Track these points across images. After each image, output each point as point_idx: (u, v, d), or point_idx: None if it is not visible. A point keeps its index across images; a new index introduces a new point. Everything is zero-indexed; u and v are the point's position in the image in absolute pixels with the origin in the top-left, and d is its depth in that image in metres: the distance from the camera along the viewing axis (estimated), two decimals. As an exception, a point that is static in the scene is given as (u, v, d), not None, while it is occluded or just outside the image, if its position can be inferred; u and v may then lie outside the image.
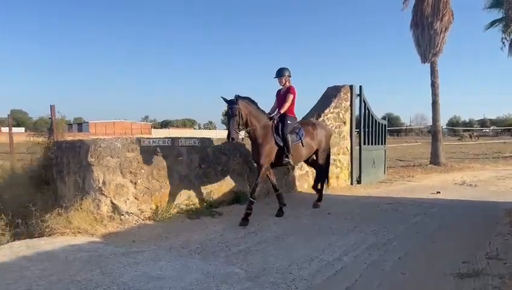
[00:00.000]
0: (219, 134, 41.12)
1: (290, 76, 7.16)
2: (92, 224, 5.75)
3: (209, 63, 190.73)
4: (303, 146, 7.10)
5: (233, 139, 6.10)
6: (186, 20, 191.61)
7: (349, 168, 10.89)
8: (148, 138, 7.02)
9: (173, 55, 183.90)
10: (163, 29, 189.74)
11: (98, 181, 6.04)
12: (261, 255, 4.79)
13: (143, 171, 6.41)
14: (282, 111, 6.91)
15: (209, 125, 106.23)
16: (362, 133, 11.18)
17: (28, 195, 6.73)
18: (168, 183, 6.71)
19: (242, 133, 7.02)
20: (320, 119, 9.75)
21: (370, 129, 11.44)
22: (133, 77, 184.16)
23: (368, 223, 6.32)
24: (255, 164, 6.92)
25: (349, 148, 10.90)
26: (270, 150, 6.57)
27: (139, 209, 6.33)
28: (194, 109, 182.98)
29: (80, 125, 75.90)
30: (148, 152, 6.50)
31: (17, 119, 71.70)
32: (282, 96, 7.15)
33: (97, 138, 6.53)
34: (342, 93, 10.60)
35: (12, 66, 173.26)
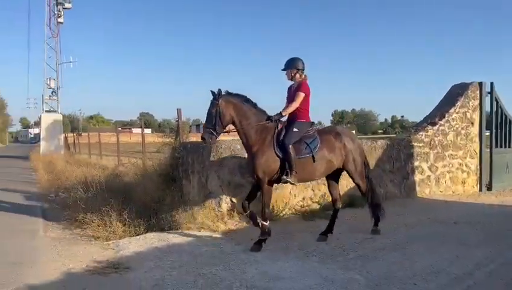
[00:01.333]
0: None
1: (302, 69, 5.63)
2: (213, 221, 6.10)
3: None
4: (314, 161, 5.41)
5: (203, 139, 5.20)
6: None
7: (478, 173, 9.92)
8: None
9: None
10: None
11: (219, 180, 6.40)
12: (380, 262, 4.59)
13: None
14: (285, 113, 5.47)
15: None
16: (494, 134, 10.10)
17: (158, 191, 7.38)
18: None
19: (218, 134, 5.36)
20: (444, 120, 9.07)
21: (503, 130, 10.28)
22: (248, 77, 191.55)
23: (503, 235, 5.67)
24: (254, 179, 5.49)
25: (477, 151, 9.93)
26: (268, 161, 5.20)
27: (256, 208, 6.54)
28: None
29: (198, 126, 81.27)
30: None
31: (144, 121, 79.57)
32: (292, 94, 5.64)
33: (218, 140, 6.89)
34: (469, 92, 9.73)
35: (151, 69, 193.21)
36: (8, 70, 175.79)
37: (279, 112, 5.42)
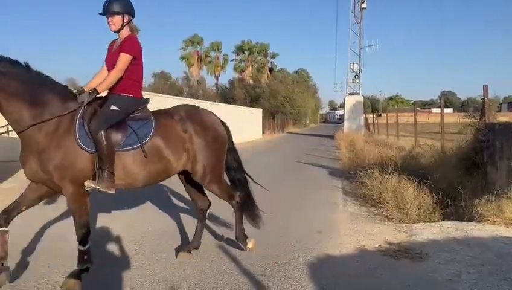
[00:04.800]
0: None
1: (130, 15, 3.77)
2: (526, 217, 5.09)
3: None
4: (146, 157, 3.66)
5: None
6: None
7: None
8: None
9: None
10: None
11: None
12: None
13: None
14: (101, 89, 3.63)
15: None
16: None
17: (457, 177, 6.75)
18: None
19: None
20: None
21: None
22: None
23: None
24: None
25: None
26: (64, 158, 3.38)
27: None
28: None
29: (511, 104, 70.04)
30: None
31: (446, 100, 74.60)
32: (113, 55, 3.79)
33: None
34: None
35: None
36: (319, 58, 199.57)
37: (92, 88, 3.60)
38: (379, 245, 4.66)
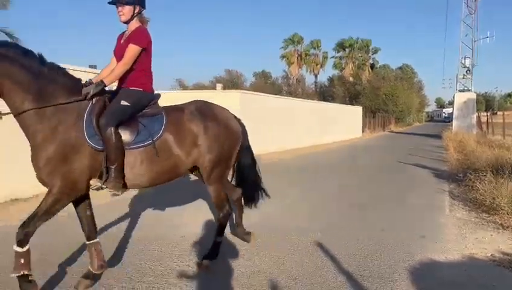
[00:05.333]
0: None
1: (141, 6, 3.60)
2: None
3: None
4: (157, 155, 3.47)
5: None
6: None
7: None
8: None
9: None
10: None
11: None
12: None
13: None
14: (108, 81, 3.38)
15: None
16: None
17: None
18: None
19: None
20: None
21: None
22: None
23: None
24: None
25: None
26: (63, 154, 3.15)
27: None
28: None
29: None
30: None
31: None
32: (122, 46, 3.59)
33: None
34: None
35: None
36: (426, 53, 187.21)
37: (99, 80, 3.37)
38: (491, 255, 4.30)
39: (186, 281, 3.61)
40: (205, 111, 3.85)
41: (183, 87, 44.38)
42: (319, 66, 51.66)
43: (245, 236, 4.58)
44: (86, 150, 3.22)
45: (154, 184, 3.69)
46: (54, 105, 3.16)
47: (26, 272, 3.03)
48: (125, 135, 3.38)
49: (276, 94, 27.08)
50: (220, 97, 12.80)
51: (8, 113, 3.28)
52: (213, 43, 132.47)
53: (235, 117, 4.20)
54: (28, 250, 3.05)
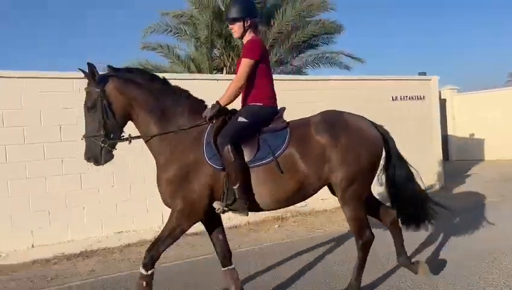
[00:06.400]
0: None
1: (252, 17, 3.35)
2: None
3: None
4: (282, 172, 3.10)
5: (89, 159, 3.14)
6: None
7: None
8: None
9: None
10: None
11: None
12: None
13: None
14: (224, 102, 3.25)
15: None
16: None
17: None
18: None
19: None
20: None
21: None
22: None
23: None
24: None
25: None
26: (184, 175, 3.12)
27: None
28: None
29: None
30: None
31: None
32: (238, 63, 3.42)
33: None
34: None
35: None
36: None
37: (215, 101, 3.25)
38: None
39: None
40: (334, 120, 3.36)
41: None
42: None
43: (411, 266, 3.67)
44: (206, 170, 3.13)
45: (280, 207, 3.38)
46: (173, 131, 3.22)
47: None
48: (245, 153, 3.17)
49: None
50: None
51: (137, 137, 3.35)
52: None
53: (373, 123, 3.54)
54: (152, 274, 3.07)
